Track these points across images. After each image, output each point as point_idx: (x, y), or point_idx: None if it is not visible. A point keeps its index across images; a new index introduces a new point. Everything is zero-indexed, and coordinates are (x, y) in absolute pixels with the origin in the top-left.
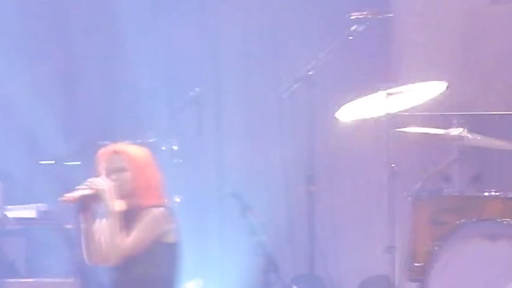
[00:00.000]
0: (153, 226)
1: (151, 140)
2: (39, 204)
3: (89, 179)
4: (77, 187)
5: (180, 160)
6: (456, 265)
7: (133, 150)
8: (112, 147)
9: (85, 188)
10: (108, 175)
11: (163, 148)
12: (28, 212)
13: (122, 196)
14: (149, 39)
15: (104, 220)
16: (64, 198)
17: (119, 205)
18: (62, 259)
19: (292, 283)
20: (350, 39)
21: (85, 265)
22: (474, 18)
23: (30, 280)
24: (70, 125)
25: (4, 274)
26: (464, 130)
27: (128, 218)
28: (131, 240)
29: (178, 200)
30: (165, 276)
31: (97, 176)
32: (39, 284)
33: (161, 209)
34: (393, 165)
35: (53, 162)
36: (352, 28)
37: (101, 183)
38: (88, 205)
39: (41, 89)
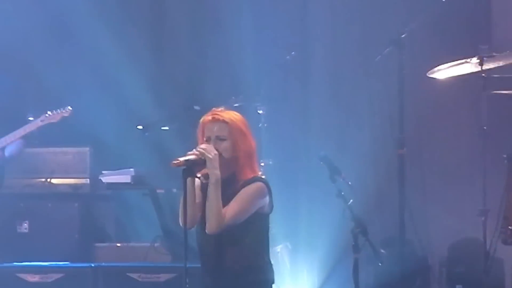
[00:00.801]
0: (254, 199)
1: (238, 105)
2: (132, 169)
3: (200, 146)
4: (188, 152)
5: (266, 124)
6: None
7: (235, 119)
8: (214, 114)
9: (194, 154)
10: (208, 142)
11: (260, 112)
12: (122, 177)
13: (221, 165)
14: (237, 5)
15: (207, 187)
16: (173, 162)
17: (220, 174)
18: (151, 224)
19: (381, 246)
20: (443, 1)
21: (173, 229)
22: None
23: (119, 244)
24: (161, 91)
25: (94, 238)
26: None
27: (225, 187)
28: (232, 211)
29: (263, 164)
30: (258, 244)
31: (197, 142)
32: (128, 248)
33: (261, 183)
34: (485, 127)
35: (141, 127)
36: None
37: (210, 150)
38: (193, 170)
39: (132, 56)
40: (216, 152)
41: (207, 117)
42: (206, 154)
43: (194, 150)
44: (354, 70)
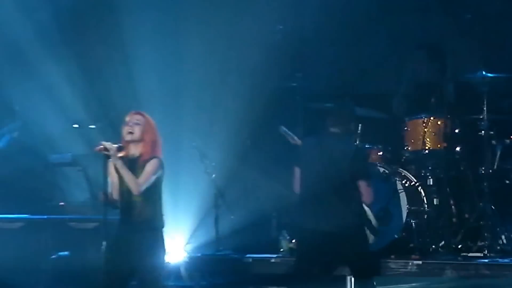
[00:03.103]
0: (155, 170)
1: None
2: (70, 154)
3: (102, 142)
4: (101, 142)
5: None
6: None
7: (148, 116)
8: (137, 111)
9: (102, 145)
10: (128, 125)
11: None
12: (64, 158)
13: (134, 142)
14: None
15: (117, 166)
16: (96, 148)
17: (122, 154)
18: (83, 190)
19: (234, 205)
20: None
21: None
22: None
23: (62, 203)
24: (89, 98)
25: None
26: None
27: (134, 164)
28: (144, 179)
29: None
30: (156, 201)
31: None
32: (70, 206)
33: (158, 159)
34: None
35: (77, 125)
36: None
37: (111, 147)
38: (106, 155)
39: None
40: (112, 145)
41: (131, 111)
42: (106, 146)
43: (102, 143)
44: (222, 79)
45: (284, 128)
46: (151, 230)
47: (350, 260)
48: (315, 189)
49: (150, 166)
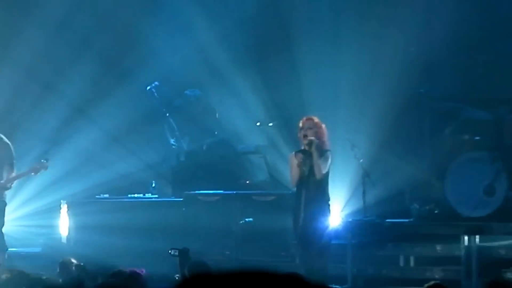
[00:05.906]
0: (329, 160)
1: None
2: (254, 145)
3: (309, 138)
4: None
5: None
6: None
7: (317, 119)
8: (307, 117)
9: (309, 139)
10: (303, 130)
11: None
12: (250, 147)
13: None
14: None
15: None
16: (309, 139)
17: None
18: (263, 172)
19: (376, 183)
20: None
21: (274, 175)
22: None
23: (248, 181)
24: (266, 103)
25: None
26: None
27: (311, 154)
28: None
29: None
30: (327, 184)
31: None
32: (253, 184)
33: (329, 151)
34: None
35: (259, 123)
36: None
37: (312, 139)
38: (309, 147)
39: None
40: (314, 139)
41: (304, 118)
42: (311, 139)
43: (308, 138)
44: (368, 86)
45: None
46: (319, 202)
47: None
48: None
49: (326, 156)
